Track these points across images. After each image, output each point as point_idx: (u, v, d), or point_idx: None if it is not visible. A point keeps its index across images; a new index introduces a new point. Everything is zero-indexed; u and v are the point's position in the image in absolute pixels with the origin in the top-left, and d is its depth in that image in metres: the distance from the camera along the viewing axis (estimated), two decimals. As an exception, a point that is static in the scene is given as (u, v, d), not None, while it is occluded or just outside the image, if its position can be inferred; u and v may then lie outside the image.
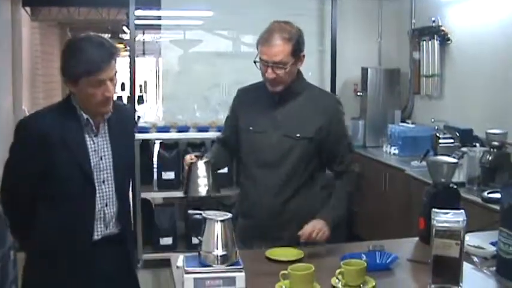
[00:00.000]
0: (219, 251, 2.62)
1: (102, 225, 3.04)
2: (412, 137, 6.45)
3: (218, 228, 2.63)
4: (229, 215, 2.69)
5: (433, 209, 2.77)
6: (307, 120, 3.35)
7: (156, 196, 6.89)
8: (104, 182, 3.03)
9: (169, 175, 6.44)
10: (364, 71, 7.29)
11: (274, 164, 3.34)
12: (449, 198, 3.32)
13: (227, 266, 2.62)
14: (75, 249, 2.97)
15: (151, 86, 19.20)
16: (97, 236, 3.03)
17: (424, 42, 6.72)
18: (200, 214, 2.72)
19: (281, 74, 3.24)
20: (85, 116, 2.95)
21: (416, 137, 6.42)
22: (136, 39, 8.71)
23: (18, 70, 8.34)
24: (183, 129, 6.69)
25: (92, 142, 3.00)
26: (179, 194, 6.26)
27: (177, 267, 2.94)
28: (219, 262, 2.61)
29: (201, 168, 3.13)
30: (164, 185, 6.44)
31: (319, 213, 3.34)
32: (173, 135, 6.65)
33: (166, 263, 6.08)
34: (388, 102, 7.21)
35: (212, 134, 6.26)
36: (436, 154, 5.41)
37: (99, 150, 3.02)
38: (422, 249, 3.25)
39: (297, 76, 3.39)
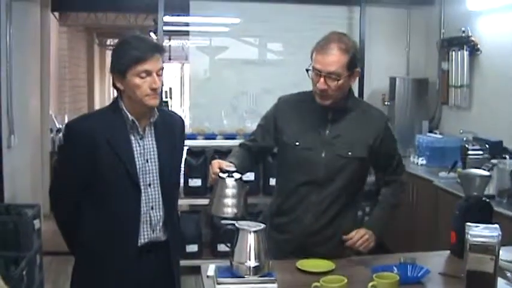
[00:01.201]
0: (252, 262, 2.61)
1: (149, 229, 3.04)
2: (440, 148, 6.41)
3: (251, 238, 2.63)
4: (263, 226, 2.68)
5: (467, 223, 2.75)
6: (359, 138, 3.26)
7: (182, 203, 6.86)
8: (149, 185, 3.03)
9: (195, 182, 6.44)
10: (392, 80, 7.26)
11: (323, 182, 3.24)
12: (481, 211, 3.28)
13: (259, 277, 2.60)
14: (121, 252, 2.99)
15: (175, 92, 19.24)
16: (143, 239, 3.03)
17: (453, 52, 6.66)
18: (233, 224, 2.70)
19: (333, 86, 3.12)
20: (131, 117, 2.98)
21: (444, 147, 6.38)
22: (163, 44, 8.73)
23: (46, 74, 8.41)
24: (210, 137, 6.72)
25: (137, 145, 3.02)
26: (205, 201, 6.20)
27: (208, 276, 2.93)
28: (251, 273, 2.61)
29: (232, 187, 2.92)
30: (190, 192, 6.44)
31: (367, 223, 3.38)
32: (200, 142, 6.68)
33: (192, 271, 6.09)
34: (416, 112, 7.17)
35: (239, 142, 6.23)
36: (465, 166, 5.37)
37: (145, 153, 3.03)
38: (453, 263, 3.22)
39: (349, 92, 3.30)
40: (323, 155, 3.23)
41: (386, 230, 3.50)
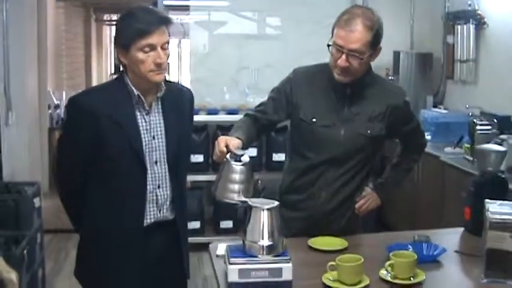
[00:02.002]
0: (265, 241, 2.50)
1: (155, 208, 2.95)
2: (445, 123, 6.30)
3: (265, 216, 2.51)
4: (276, 203, 2.57)
5: (486, 200, 2.66)
6: (378, 116, 3.14)
7: (183, 180, 6.81)
8: (156, 162, 2.93)
9: (197, 158, 6.33)
10: (396, 54, 7.17)
11: (341, 161, 3.14)
12: (496, 188, 3.19)
13: (273, 256, 2.50)
14: (127, 231, 2.91)
15: (173, 68, 19.10)
16: (150, 219, 2.95)
17: (459, 26, 6.54)
18: (246, 202, 2.60)
19: (354, 64, 2.96)
20: (136, 92, 2.87)
21: (450, 123, 6.27)
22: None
23: (43, 50, 8.31)
24: (212, 112, 6.64)
25: (143, 120, 2.90)
26: (208, 177, 6.20)
27: (217, 255, 2.84)
28: (264, 252, 2.50)
29: (240, 172, 2.73)
30: (192, 168, 6.29)
31: (375, 183, 3.37)
32: (202, 117, 6.58)
33: (194, 248, 6.00)
34: (420, 87, 7.05)
35: (241, 117, 6.15)
36: (473, 141, 5.27)
37: (152, 129, 2.92)
38: (469, 240, 3.15)
39: (367, 69, 3.13)
40: (342, 132, 3.11)
41: (393, 192, 3.52)
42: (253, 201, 2.57)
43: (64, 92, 9.71)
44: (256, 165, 6.40)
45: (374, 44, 2.99)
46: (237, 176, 2.72)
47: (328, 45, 3.03)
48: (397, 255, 2.60)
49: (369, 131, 3.12)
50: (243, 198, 2.67)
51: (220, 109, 6.67)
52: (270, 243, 2.50)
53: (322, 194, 3.16)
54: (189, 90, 3.21)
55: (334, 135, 3.11)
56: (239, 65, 7.12)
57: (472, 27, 6.33)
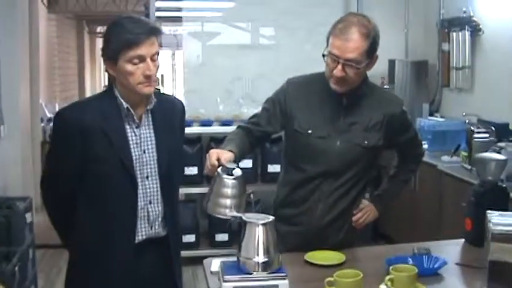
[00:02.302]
0: (260, 257, 2.42)
1: (147, 225, 2.87)
2: (442, 131, 6.24)
3: (259, 232, 2.43)
4: (271, 218, 2.49)
5: (488, 211, 2.59)
6: (375, 126, 3.07)
7: (178, 192, 6.72)
8: (147, 177, 2.85)
9: (191, 170, 6.25)
10: (391, 63, 7.11)
11: (337, 173, 3.05)
12: (497, 197, 3.12)
13: (269, 273, 2.42)
14: (117, 249, 2.82)
15: (168, 80, 19.06)
16: (141, 236, 2.86)
17: (454, 33, 6.48)
18: (240, 217, 2.52)
19: (351, 74, 2.89)
20: (125, 105, 2.78)
21: (446, 131, 6.21)
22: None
23: (35, 63, 8.25)
24: (205, 123, 6.56)
25: (133, 134, 2.82)
26: (202, 190, 6.10)
27: (212, 272, 2.76)
28: (260, 269, 2.42)
29: (232, 186, 2.65)
30: (186, 181, 6.23)
31: (373, 196, 3.32)
32: (196, 129, 6.50)
33: (189, 261, 5.97)
34: (416, 95, 6.98)
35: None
36: (470, 150, 5.19)
37: (142, 143, 2.84)
38: (470, 251, 3.08)
39: (363, 78, 3.06)
40: (338, 143, 3.03)
41: (392, 204, 3.46)
42: (247, 217, 2.49)
43: (57, 105, 9.63)
44: (251, 177, 6.37)
45: (371, 52, 2.92)
46: (228, 191, 2.65)
47: (324, 55, 2.95)
48: (397, 269, 2.51)
49: (365, 142, 3.05)
50: (235, 213, 2.60)
51: (214, 120, 6.59)
52: (266, 259, 2.42)
53: (319, 208, 3.08)
54: (180, 101, 3.13)
55: (330, 146, 3.03)
56: (233, 75, 7.04)
57: (467, 34, 6.26)
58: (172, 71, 19.90)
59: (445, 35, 6.74)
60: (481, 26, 6.11)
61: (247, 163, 6.25)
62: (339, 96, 3.02)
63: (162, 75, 18.39)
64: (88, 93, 13.76)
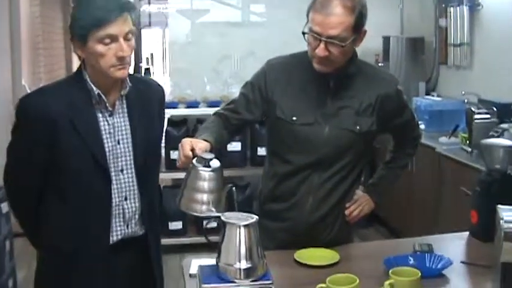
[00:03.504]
0: (243, 263, 2.13)
1: (122, 224, 2.59)
2: (439, 111, 5.99)
3: (241, 234, 2.14)
4: (255, 218, 2.20)
5: (499, 206, 2.32)
6: (367, 108, 2.76)
7: (164, 177, 6.43)
8: (122, 171, 2.57)
9: (177, 154, 5.95)
10: (386, 40, 6.89)
11: (327, 163, 2.75)
12: (506, 188, 2.83)
13: (252, 281, 2.14)
14: (90, 251, 2.55)
15: (157, 59, 18.78)
16: (116, 236, 2.58)
17: (452, 8, 6.21)
18: (218, 217, 2.22)
19: (335, 53, 2.56)
20: (96, 90, 2.48)
21: (444, 111, 5.96)
22: (142, 10, 8.35)
23: (16, 43, 7.96)
24: (192, 105, 6.32)
25: (106, 123, 2.53)
26: (189, 174, 5.87)
27: (190, 275, 2.48)
28: (242, 276, 2.13)
29: (209, 179, 2.33)
30: (173, 165, 5.97)
31: (368, 185, 3.02)
32: (182, 111, 6.27)
33: (176, 249, 5.73)
34: (412, 74, 6.73)
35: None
36: (471, 131, 4.92)
37: (116, 132, 2.55)
38: (476, 247, 2.81)
39: (351, 56, 2.74)
40: (326, 130, 2.72)
41: (389, 193, 3.17)
42: (227, 216, 2.20)
43: (46, 84, 9.34)
44: (240, 160, 6.17)
45: (357, 27, 2.57)
46: (205, 184, 2.33)
47: (304, 33, 2.63)
48: (397, 272, 2.24)
49: (357, 127, 2.74)
50: (213, 210, 2.31)
51: (201, 101, 6.33)
52: (249, 265, 2.14)
53: (308, 202, 2.78)
54: (159, 85, 2.82)
55: (317, 133, 2.72)
56: (221, 54, 6.86)
57: (465, 9, 5.99)
58: (163, 49, 19.63)
59: (442, 10, 6.51)
60: (480, 1, 5.85)
61: (235, 146, 6.08)
62: (325, 77, 2.71)
63: (151, 54, 18.11)
64: (75, 74, 13.44)
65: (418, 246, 2.67)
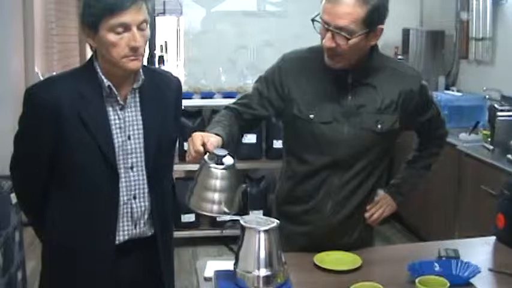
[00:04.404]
0: (262, 271, 2.02)
1: (130, 223, 2.48)
2: (459, 107, 5.85)
3: (261, 240, 2.03)
4: (275, 222, 2.09)
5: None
6: (389, 106, 2.62)
7: (177, 169, 6.30)
8: (131, 168, 2.45)
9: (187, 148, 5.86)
10: (405, 32, 6.75)
11: (347, 164, 2.63)
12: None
13: (272, 290, 2.03)
14: (96, 251, 2.44)
15: (172, 47, 18.64)
16: (123, 236, 2.48)
17: (475, 1, 6.06)
18: (236, 221, 2.11)
19: (342, 45, 2.41)
20: (107, 83, 2.37)
21: (464, 106, 5.83)
22: (156, -3, 8.28)
23: (29, 29, 7.84)
24: (207, 95, 6.16)
25: (116, 117, 2.41)
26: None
27: (205, 278, 2.37)
28: (261, 285, 2.02)
29: (222, 178, 2.20)
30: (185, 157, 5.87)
31: (390, 185, 2.90)
32: (196, 101, 6.11)
33: (188, 242, 5.64)
34: (431, 67, 6.58)
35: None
36: (493, 129, 4.80)
37: (127, 127, 2.43)
38: (503, 253, 2.69)
39: (373, 50, 2.58)
40: (345, 129, 2.59)
41: (414, 193, 3.01)
42: (246, 220, 2.08)
43: (54, 74, 9.25)
44: (256, 153, 6.05)
45: (369, 22, 2.40)
46: (217, 183, 2.20)
47: (313, 20, 2.48)
48: (424, 282, 2.12)
49: (378, 126, 2.60)
50: (225, 210, 2.18)
51: (216, 92, 6.20)
52: (268, 273, 2.03)
53: (328, 205, 2.66)
54: (176, 78, 2.69)
55: (336, 133, 2.59)
56: (237, 44, 6.68)
57: (489, 2, 5.83)
58: (177, 37, 19.48)
59: (464, 3, 6.35)
60: (504, -6, 5.69)
61: (251, 138, 5.94)
62: (343, 73, 2.57)
63: (165, 42, 17.95)
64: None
65: (444, 251, 2.56)
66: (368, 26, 2.41)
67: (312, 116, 2.59)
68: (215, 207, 2.19)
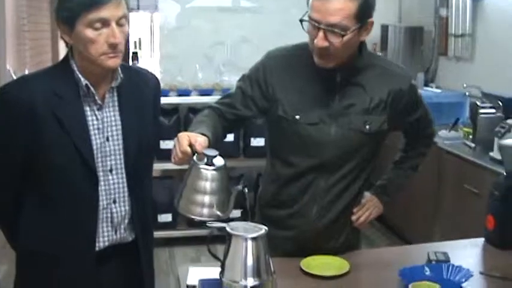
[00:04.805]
0: (250, 281, 1.92)
1: (110, 229, 2.37)
2: (438, 103, 5.78)
3: (249, 248, 1.93)
4: (263, 229, 1.99)
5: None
6: (377, 106, 2.53)
7: (154, 168, 6.23)
8: (111, 170, 2.34)
9: (168, 144, 5.68)
10: (384, 28, 6.69)
11: (333, 166, 2.54)
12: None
13: (260, 301, 1.93)
14: (74, 258, 2.33)
15: (146, 44, 18.48)
16: (103, 242, 2.37)
17: (454, -3, 6.01)
18: (223, 228, 2.00)
19: (336, 43, 2.31)
20: (84, 81, 2.25)
21: (443, 103, 5.76)
22: (130, -8, 8.12)
23: (0, 25, 7.69)
24: (183, 93, 6.04)
25: (94, 118, 2.30)
26: (179, 166, 5.65)
27: (188, 286, 2.27)
28: (249, 296, 1.92)
29: (211, 179, 2.10)
30: (162, 156, 5.67)
31: (377, 187, 2.81)
32: (172, 99, 5.99)
33: (165, 242, 5.54)
34: (410, 64, 6.46)
35: (216, 98, 5.52)
36: (475, 126, 4.76)
37: (105, 128, 2.32)
38: (493, 255, 2.64)
39: (361, 47, 2.50)
40: (332, 130, 2.50)
41: (399, 194, 2.94)
42: (232, 227, 1.98)
43: (27, 71, 9.07)
44: (233, 151, 5.93)
45: (361, 17, 2.32)
46: (207, 185, 2.10)
47: (301, 21, 2.38)
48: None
49: (366, 127, 2.52)
50: (218, 213, 2.08)
51: (192, 89, 6.08)
52: (256, 283, 1.92)
53: (313, 209, 2.57)
54: (154, 76, 2.58)
55: (323, 134, 2.50)
56: (213, 40, 6.57)
57: (468, -2, 5.79)
58: (151, 34, 19.32)
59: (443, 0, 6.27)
60: (483, -10, 5.65)
61: (228, 136, 5.74)
62: (331, 72, 2.47)
63: (139, 39, 17.77)
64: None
65: (433, 254, 2.48)
66: (360, 21, 2.33)
67: (297, 116, 2.50)
68: (205, 211, 2.10)
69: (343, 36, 2.30)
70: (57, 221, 2.31)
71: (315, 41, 2.33)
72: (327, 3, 2.28)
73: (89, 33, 2.16)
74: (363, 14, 2.33)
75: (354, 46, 2.44)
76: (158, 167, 6.00)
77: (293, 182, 2.58)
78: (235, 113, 2.59)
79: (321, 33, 2.32)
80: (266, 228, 2.01)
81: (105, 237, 2.37)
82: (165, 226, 5.79)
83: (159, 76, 6.09)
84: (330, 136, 2.50)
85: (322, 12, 2.29)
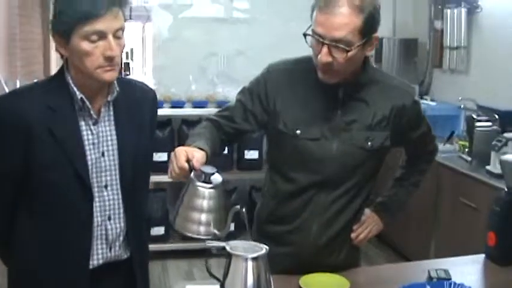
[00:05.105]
0: (251, 302, 1.88)
1: (104, 246, 2.31)
2: (433, 116, 5.66)
3: (249, 268, 1.89)
4: (264, 249, 1.94)
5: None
6: (380, 122, 2.49)
7: (146, 180, 6.20)
8: (106, 187, 2.28)
9: (160, 157, 5.66)
10: (378, 41, 6.57)
11: (334, 183, 2.49)
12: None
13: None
14: (67, 276, 2.27)
15: (138, 54, 18.45)
16: (97, 260, 2.31)
17: (449, 10, 5.99)
18: (223, 248, 1.95)
19: (340, 59, 2.26)
20: (79, 95, 2.19)
21: (438, 116, 5.71)
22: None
23: (-8, 35, 7.65)
24: (177, 104, 6.00)
25: (89, 133, 2.24)
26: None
27: (184, 304, 2.23)
28: (250, 317, 1.88)
29: (208, 197, 2.06)
30: (155, 168, 5.63)
31: (377, 203, 2.76)
32: (166, 111, 5.92)
33: (158, 256, 5.48)
34: (404, 76, 6.36)
35: (210, 110, 5.52)
36: (471, 139, 4.73)
37: (100, 143, 2.26)
38: (494, 272, 2.60)
39: (364, 63, 2.44)
40: (334, 146, 2.45)
41: (401, 211, 2.87)
42: (233, 247, 1.93)
43: (18, 81, 9.00)
44: (227, 164, 5.88)
45: (366, 32, 2.27)
46: (204, 203, 2.06)
47: (305, 35, 2.33)
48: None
49: (369, 143, 2.47)
50: (215, 232, 2.03)
51: (186, 101, 6.05)
52: (257, 304, 1.88)
53: (313, 225, 2.52)
54: (152, 90, 2.52)
55: (324, 150, 2.45)
56: (207, 51, 6.51)
57: (463, 11, 5.78)
58: (143, 45, 19.28)
59: (437, 12, 6.31)
60: (479, 3, 5.65)
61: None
62: (334, 87, 2.42)
63: (131, 49, 17.73)
64: (54, 69, 13.10)
65: (434, 272, 2.44)
66: (365, 36, 2.28)
67: (298, 131, 2.45)
68: (202, 229, 2.05)
69: (347, 51, 2.25)
70: (50, 238, 2.25)
71: (319, 56, 2.28)
72: (332, 17, 2.22)
73: (85, 45, 2.11)
74: (368, 29, 2.28)
75: (358, 62, 2.39)
76: (151, 179, 5.94)
77: (293, 198, 2.53)
78: (234, 126, 2.55)
79: (325, 49, 2.26)
80: (267, 247, 1.97)
81: (99, 255, 2.31)
82: (158, 239, 5.73)
83: (152, 87, 6.08)
84: (331, 152, 2.45)
85: (326, 27, 2.24)
